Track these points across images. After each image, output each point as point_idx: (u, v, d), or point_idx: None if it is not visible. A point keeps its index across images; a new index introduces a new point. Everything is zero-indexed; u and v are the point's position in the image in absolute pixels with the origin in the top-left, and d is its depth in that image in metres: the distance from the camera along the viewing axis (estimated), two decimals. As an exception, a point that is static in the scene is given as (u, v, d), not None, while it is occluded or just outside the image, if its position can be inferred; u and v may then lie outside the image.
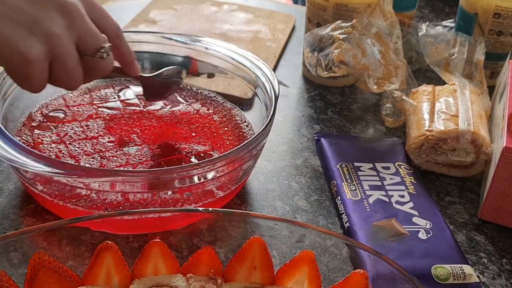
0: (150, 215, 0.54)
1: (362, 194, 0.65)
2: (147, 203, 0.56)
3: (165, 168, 0.61)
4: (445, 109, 0.72)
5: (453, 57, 0.82)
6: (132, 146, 0.65)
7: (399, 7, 0.88)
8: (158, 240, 0.49)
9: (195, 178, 0.56)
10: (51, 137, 0.65)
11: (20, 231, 0.48)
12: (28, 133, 0.65)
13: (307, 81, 0.90)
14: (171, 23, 1.00)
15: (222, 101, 0.75)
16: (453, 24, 0.95)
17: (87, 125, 0.67)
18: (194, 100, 0.74)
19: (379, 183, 0.67)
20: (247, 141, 0.58)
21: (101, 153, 0.63)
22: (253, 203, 0.65)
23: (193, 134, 0.68)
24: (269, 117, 0.62)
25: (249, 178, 0.67)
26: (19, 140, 0.62)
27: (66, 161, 0.61)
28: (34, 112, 0.69)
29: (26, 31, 0.49)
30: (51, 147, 0.63)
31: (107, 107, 0.71)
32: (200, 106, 0.73)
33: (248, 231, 0.51)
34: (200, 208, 0.51)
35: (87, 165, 0.61)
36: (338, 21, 0.79)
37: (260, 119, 0.69)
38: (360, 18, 0.79)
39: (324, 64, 0.77)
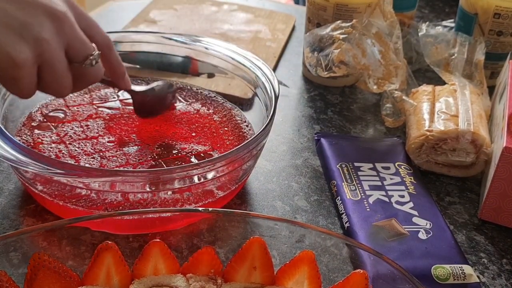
0: (150, 215, 0.54)
1: (362, 194, 0.65)
2: (147, 203, 0.56)
3: (165, 168, 0.61)
4: (445, 109, 0.72)
5: (453, 57, 0.82)
6: (132, 146, 0.65)
7: (399, 7, 0.88)
8: (158, 240, 0.49)
9: (195, 178, 0.56)
10: (51, 137, 0.65)
11: (20, 231, 0.48)
12: (28, 133, 0.65)
13: (307, 81, 0.90)
14: (171, 23, 1.00)
15: (222, 101, 0.75)
16: (453, 24, 0.95)
17: (87, 125, 0.67)
18: (194, 100, 0.74)
19: (379, 183, 0.67)
20: (247, 141, 0.58)
21: (101, 153, 0.63)
22: (253, 203, 0.65)
23: (193, 134, 0.68)
24: (269, 117, 0.62)
25: (249, 178, 0.67)
26: (19, 140, 0.62)
27: (66, 161, 0.61)
28: (34, 112, 0.69)
29: (16, 36, 0.50)
30: (51, 147, 0.63)
31: (107, 107, 0.71)
32: (200, 106, 0.73)
33: (248, 231, 0.51)
34: (200, 208, 0.51)
35: (87, 165, 0.61)
36: (338, 21, 0.79)
37: (260, 119, 0.69)
38: (360, 18, 0.79)
39: (324, 64, 0.77)
